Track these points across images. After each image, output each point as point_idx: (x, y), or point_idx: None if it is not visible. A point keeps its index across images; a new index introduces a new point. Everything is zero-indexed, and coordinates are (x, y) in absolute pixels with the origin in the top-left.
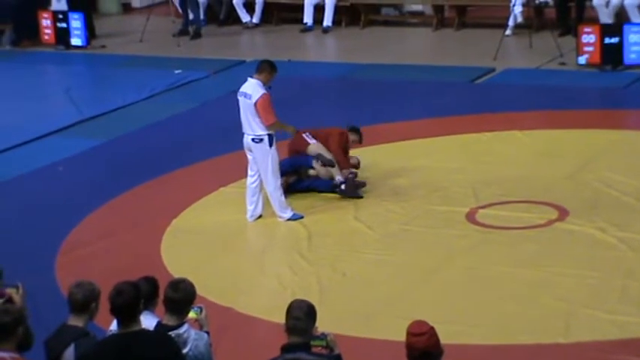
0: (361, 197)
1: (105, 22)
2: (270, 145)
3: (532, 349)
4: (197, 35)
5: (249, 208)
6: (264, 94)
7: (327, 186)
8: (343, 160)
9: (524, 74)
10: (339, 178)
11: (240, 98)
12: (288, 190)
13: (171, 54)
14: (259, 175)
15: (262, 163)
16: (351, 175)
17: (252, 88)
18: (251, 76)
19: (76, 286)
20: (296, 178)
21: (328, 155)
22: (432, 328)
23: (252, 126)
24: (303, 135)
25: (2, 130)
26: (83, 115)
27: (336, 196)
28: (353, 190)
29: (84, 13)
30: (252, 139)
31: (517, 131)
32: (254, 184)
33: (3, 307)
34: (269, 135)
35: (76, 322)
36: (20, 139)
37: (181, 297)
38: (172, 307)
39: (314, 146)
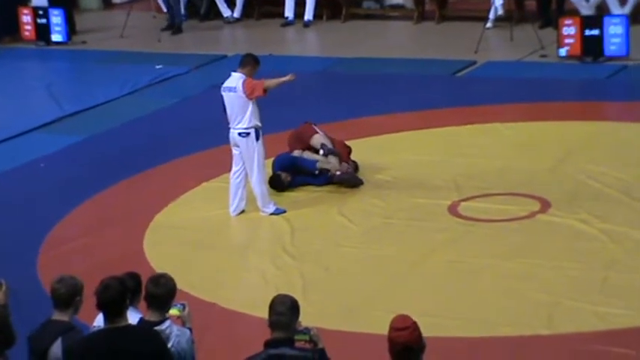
0: (362, 183)
1: (85, 18)
2: (257, 139)
3: (514, 341)
4: (178, 30)
5: (233, 203)
6: (246, 78)
7: (324, 181)
8: (345, 154)
9: (505, 67)
10: (337, 167)
11: (225, 93)
12: (289, 186)
13: (152, 49)
14: (243, 170)
15: (249, 157)
16: (350, 170)
17: (237, 82)
18: (234, 71)
19: (59, 282)
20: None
21: (331, 146)
22: (415, 323)
23: (239, 120)
24: (312, 125)
25: None
26: (64, 111)
27: (319, 190)
28: (352, 176)
29: (64, 9)
30: (239, 134)
31: (498, 124)
32: (238, 179)
33: None
34: (255, 129)
35: (60, 317)
36: (1, 136)
37: (163, 292)
38: (154, 303)
39: (319, 136)
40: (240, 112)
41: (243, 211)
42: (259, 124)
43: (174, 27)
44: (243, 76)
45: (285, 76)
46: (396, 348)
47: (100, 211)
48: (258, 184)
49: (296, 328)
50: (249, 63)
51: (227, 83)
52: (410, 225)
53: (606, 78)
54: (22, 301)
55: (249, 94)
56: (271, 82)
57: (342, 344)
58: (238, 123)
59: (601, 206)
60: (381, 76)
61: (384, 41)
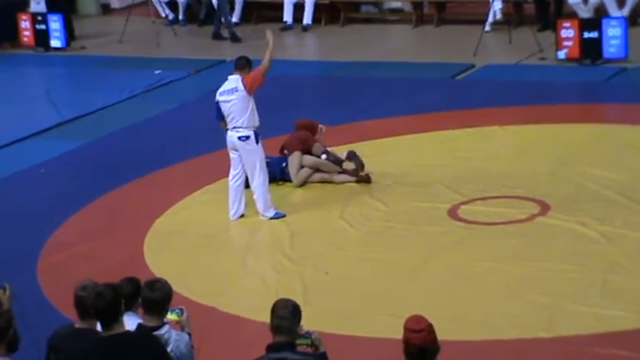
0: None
1: (84, 24)
2: (257, 141)
3: (515, 344)
4: (235, 38)
5: (232, 207)
6: (244, 76)
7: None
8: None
9: (504, 70)
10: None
11: (223, 97)
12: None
13: (151, 54)
14: (242, 174)
15: (249, 160)
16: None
17: (236, 83)
18: (231, 74)
19: (83, 289)
20: None
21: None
22: (430, 325)
23: (240, 123)
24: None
25: None
26: (64, 117)
27: (318, 194)
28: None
29: (63, 15)
30: (239, 138)
31: (497, 127)
32: (237, 183)
33: None
34: (255, 132)
35: (88, 325)
36: (0, 142)
37: (159, 296)
38: (151, 308)
39: (319, 145)
40: (240, 114)
41: (242, 215)
42: (257, 124)
43: (223, 36)
44: (242, 77)
45: (268, 49)
46: (412, 350)
47: (100, 216)
48: (261, 186)
49: (298, 332)
50: (247, 65)
51: (225, 87)
52: (410, 229)
53: (605, 80)
54: (23, 307)
55: (249, 86)
56: (265, 63)
57: (343, 348)
58: (237, 126)
59: (600, 209)
60: (380, 80)
61: (382, 45)
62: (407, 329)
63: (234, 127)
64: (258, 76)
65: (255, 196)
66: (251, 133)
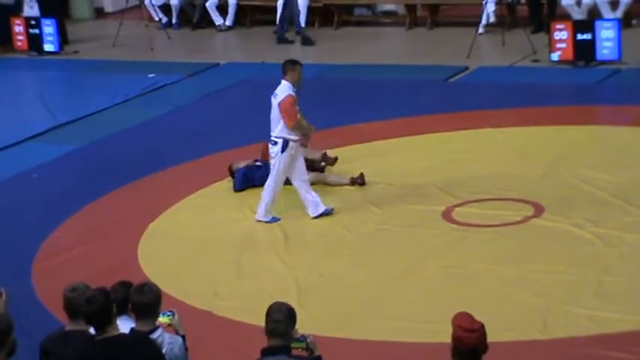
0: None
1: (78, 28)
2: (283, 150)
3: (510, 346)
4: (308, 41)
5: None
6: (288, 95)
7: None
8: None
9: (497, 72)
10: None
11: (272, 99)
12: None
13: (144, 58)
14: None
15: (273, 164)
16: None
17: (281, 90)
18: (283, 78)
19: (72, 290)
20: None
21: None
22: (483, 325)
23: (274, 126)
24: None
25: None
26: (57, 120)
27: None
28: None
29: (56, 19)
30: (270, 140)
31: (491, 129)
32: (298, 181)
33: None
34: (284, 140)
35: (78, 326)
36: None
37: (149, 299)
38: (142, 311)
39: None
40: (277, 119)
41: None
42: (289, 137)
43: (303, 39)
44: (289, 86)
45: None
46: (462, 349)
47: (94, 220)
48: (270, 191)
49: (292, 336)
50: (288, 68)
51: (276, 90)
52: (404, 231)
53: (598, 82)
54: (18, 311)
55: (282, 114)
56: (303, 124)
57: (338, 351)
58: (273, 129)
59: (595, 210)
60: (374, 83)
61: (376, 48)
62: (459, 327)
63: (271, 132)
64: (287, 120)
65: (262, 196)
66: (280, 140)
